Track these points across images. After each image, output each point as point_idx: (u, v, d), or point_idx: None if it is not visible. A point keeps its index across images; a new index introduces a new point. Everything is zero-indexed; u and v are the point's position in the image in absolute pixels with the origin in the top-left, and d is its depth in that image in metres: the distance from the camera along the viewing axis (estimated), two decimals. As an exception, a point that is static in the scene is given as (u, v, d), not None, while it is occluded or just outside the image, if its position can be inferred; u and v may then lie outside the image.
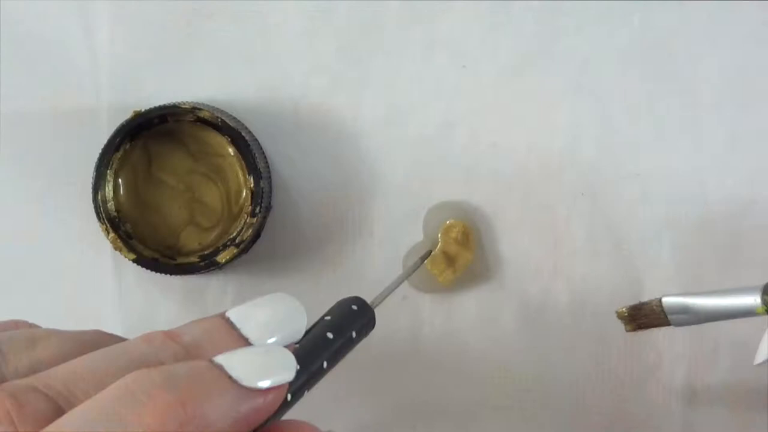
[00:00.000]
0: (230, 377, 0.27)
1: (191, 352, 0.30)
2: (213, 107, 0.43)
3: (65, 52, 0.45)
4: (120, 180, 0.43)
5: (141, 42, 0.45)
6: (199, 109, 0.42)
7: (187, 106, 0.42)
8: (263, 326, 0.31)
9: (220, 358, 0.27)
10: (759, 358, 0.39)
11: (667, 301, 0.40)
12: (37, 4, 0.45)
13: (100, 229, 0.42)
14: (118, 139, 0.42)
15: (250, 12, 0.45)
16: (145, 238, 0.43)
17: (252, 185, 0.42)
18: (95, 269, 0.45)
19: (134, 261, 0.42)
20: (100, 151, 0.42)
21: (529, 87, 0.44)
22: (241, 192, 0.43)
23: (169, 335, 0.30)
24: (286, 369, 0.28)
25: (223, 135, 0.42)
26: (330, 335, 0.31)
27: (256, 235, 0.43)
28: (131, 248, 0.42)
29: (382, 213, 0.45)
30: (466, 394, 0.45)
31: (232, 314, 0.31)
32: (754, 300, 0.37)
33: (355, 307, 0.33)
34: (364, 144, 0.45)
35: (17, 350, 0.30)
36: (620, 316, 0.42)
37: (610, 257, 0.45)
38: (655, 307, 0.40)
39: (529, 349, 0.45)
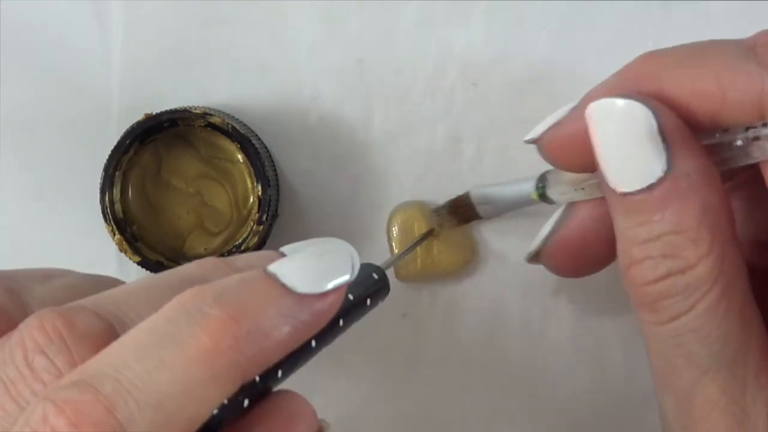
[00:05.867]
0: (284, 285, 0.26)
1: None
2: (224, 113, 0.43)
3: (79, 55, 0.45)
4: (128, 182, 0.43)
5: (154, 45, 0.45)
6: (210, 115, 0.42)
7: (198, 111, 0.42)
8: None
9: (272, 267, 0.27)
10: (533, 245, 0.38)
11: (474, 192, 0.42)
12: (51, 5, 0.45)
13: (106, 230, 0.42)
14: (128, 141, 0.42)
15: (263, 19, 0.45)
16: (151, 240, 0.43)
17: (260, 193, 0.42)
18: (99, 270, 0.45)
19: (139, 263, 0.42)
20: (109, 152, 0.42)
21: (540, 106, 0.44)
22: (248, 198, 0.43)
23: (222, 260, 0.30)
24: (343, 269, 0.27)
25: (233, 141, 0.42)
26: (350, 296, 0.30)
27: (262, 243, 0.43)
28: (136, 251, 0.42)
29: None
30: (465, 409, 0.45)
31: (286, 249, 0.31)
32: (530, 187, 0.38)
33: (375, 276, 0.33)
34: (373, 155, 0.45)
35: (34, 282, 0.29)
36: (440, 212, 0.42)
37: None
38: (466, 199, 0.41)
39: (530, 366, 0.45)
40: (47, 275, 0.30)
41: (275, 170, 0.44)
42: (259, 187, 0.42)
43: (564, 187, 0.36)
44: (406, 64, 0.45)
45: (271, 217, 0.42)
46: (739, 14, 0.44)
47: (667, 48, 0.32)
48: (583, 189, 0.35)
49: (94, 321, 0.26)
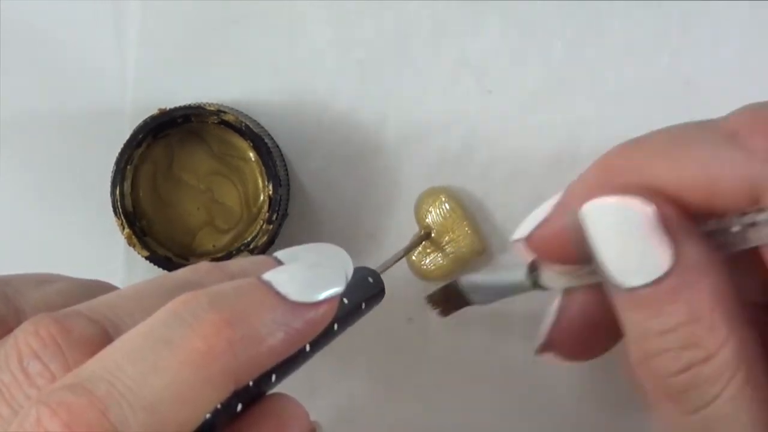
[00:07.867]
0: (278, 293, 0.26)
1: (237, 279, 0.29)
2: (237, 111, 0.43)
3: (95, 51, 0.45)
4: (140, 176, 0.43)
5: (169, 43, 0.45)
6: (224, 112, 0.42)
7: (212, 108, 0.42)
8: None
9: (267, 275, 0.27)
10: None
11: (463, 280, 0.40)
12: (70, 4, 0.45)
13: (116, 223, 0.42)
14: (140, 136, 0.42)
15: (278, 19, 0.45)
16: (161, 235, 0.43)
17: (270, 192, 0.42)
18: (106, 264, 0.46)
19: (147, 258, 0.42)
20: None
21: (554, 116, 0.44)
22: (259, 197, 0.43)
23: (216, 264, 0.30)
24: (336, 281, 0.28)
25: (246, 139, 0.42)
26: (345, 300, 0.30)
27: (271, 242, 0.43)
28: (145, 245, 0.42)
29: (397, 228, 0.45)
30: (468, 414, 0.45)
31: (280, 254, 0.31)
32: (522, 276, 0.36)
33: (371, 280, 0.34)
34: (385, 158, 0.45)
35: (28, 287, 0.30)
36: (432, 299, 0.41)
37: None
38: (456, 288, 0.40)
39: (534, 372, 0.45)
40: (42, 280, 0.30)
41: (286, 170, 0.44)
42: (270, 187, 0.42)
43: (557, 275, 0.35)
44: (421, 68, 0.45)
45: (281, 216, 0.42)
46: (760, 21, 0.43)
47: (645, 137, 0.31)
48: (578, 276, 0.34)
49: (89, 326, 0.26)
